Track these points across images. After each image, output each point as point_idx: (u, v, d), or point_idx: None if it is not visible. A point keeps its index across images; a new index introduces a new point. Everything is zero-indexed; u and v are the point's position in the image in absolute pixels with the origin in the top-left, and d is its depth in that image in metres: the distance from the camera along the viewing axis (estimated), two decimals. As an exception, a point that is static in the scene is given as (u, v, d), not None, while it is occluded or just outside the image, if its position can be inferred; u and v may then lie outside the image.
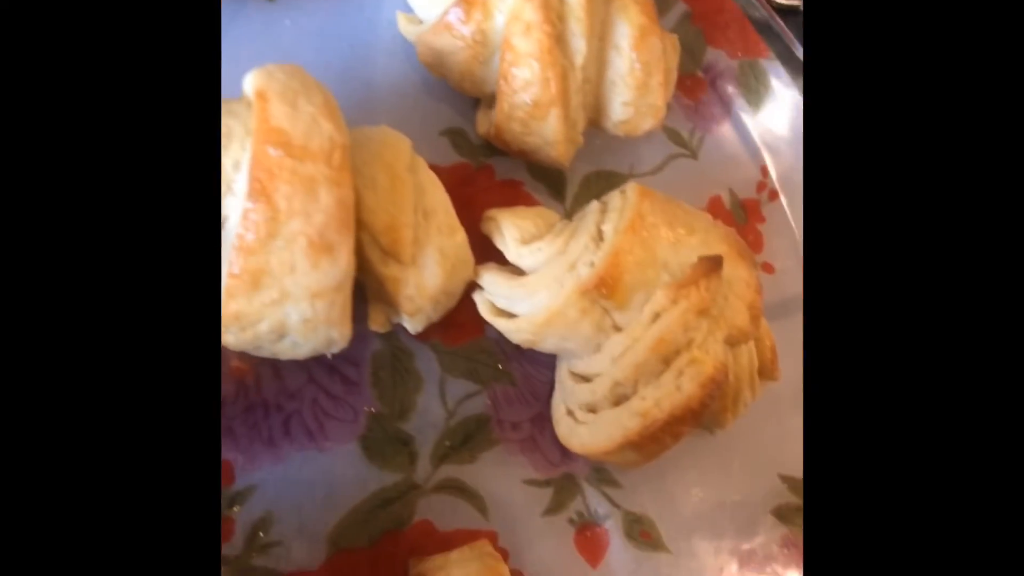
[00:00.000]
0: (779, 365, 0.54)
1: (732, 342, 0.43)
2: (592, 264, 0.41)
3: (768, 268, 0.57)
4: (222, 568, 0.39)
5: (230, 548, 0.40)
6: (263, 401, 0.42)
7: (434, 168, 0.43)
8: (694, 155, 0.57)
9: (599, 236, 0.42)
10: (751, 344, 0.44)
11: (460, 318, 0.47)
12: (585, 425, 0.42)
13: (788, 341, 0.56)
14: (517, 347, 0.48)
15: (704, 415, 0.41)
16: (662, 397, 0.40)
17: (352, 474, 0.43)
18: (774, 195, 0.59)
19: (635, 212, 0.42)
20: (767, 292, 0.57)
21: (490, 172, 0.51)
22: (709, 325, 0.41)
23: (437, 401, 0.45)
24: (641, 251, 0.41)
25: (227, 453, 0.41)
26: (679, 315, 0.39)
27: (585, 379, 0.43)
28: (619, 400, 0.41)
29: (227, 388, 0.42)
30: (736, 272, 0.43)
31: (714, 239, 0.43)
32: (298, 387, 0.43)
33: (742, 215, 0.58)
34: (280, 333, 0.37)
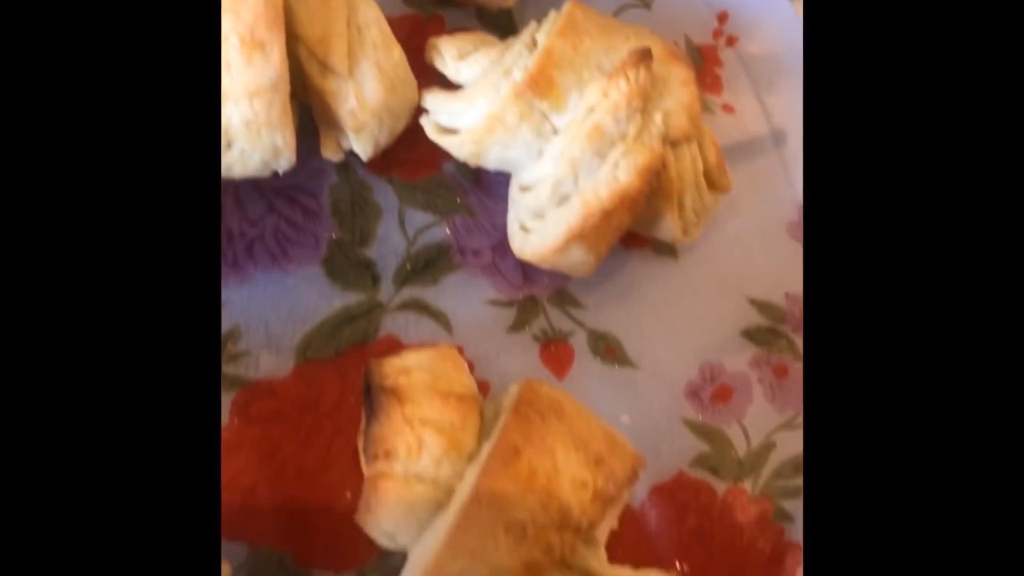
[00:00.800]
0: (744, 197, 0.55)
1: (672, 141, 0.44)
2: (526, 68, 0.42)
3: (729, 109, 0.58)
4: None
5: (201, 357, 0.42)
6: (226, 229, 0.45)
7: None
8: (647, 6, 0.58)
9: (533, 44, 0.44)
10: (693, 146, 0.45)
11: (416, 155, 0.49)
12: (534, 232, 0.44)
13: (753, 180, 0.57)
14: (475, 181, 0.50)
15: (643, 204, 0.43)
16: (600, 187, 0.41)
17: (316, 294, 0.45)
18: (732, 40, 0.60)
19: (567, 17, 0.43)
20: (730, 133, 0.58)
21: (440, 22, 0.53)
22: (644, 120, 0.42)
23: (397, 230, 0.47)
24: (573, 52, 0.42)
25: (194, 273, 0.43)
26: (611, 104, 0.41)
27: (531, 189, 0.44)
28: (562, 200, 0.43)
29: (192, 216, 0.44)
30: (670, 71, 0.44)
31: (647, 40, 0.44)
32: (259, 216, 0.45)
33: (699, 60, 0.59)
34: (226, 139, 0.39)
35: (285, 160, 0.41)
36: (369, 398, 0.38)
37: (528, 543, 0.33)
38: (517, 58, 0.43)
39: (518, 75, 0.42)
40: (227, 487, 0.40)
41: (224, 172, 0.41)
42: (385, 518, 0.36)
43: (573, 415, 0.38)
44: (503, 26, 0.53)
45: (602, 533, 0.39)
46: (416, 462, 0.36)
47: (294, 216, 0.46)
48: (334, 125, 0.43)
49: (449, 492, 0.36)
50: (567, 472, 0.35)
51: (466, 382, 0.39)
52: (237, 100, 0.38)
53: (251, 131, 0.39)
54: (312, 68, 0.41)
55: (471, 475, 0.36)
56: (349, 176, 0.47)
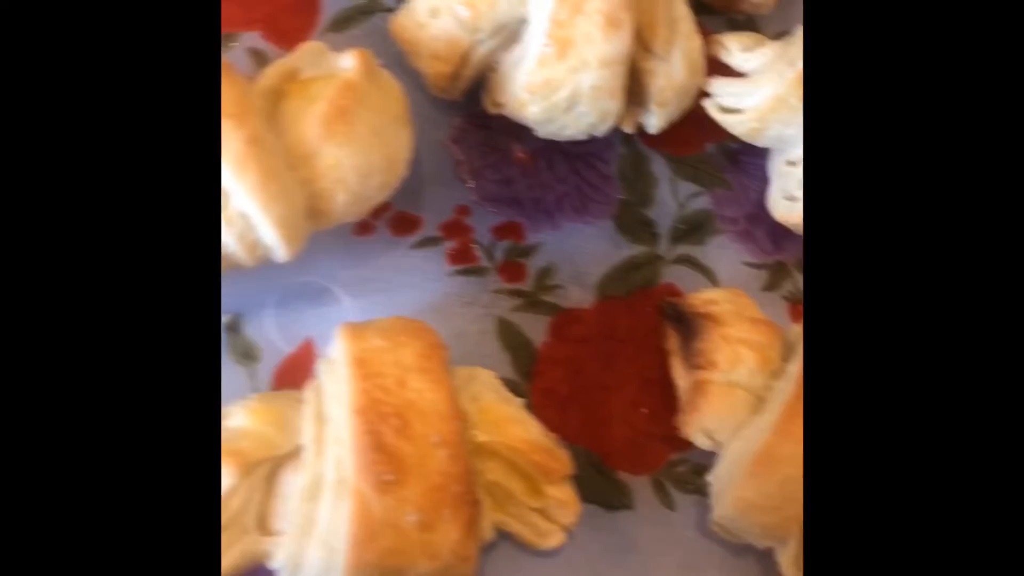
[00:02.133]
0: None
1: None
2: (810, 59, 0.50)
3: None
4: (520, 300, 0.50)
5: (525, 286, 0.50)
6: (541, 183, 0.53)
7: None
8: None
9: (812, 41, 0.51)
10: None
11: (685, 134, 0.57)
12: (801, 200, 0.51)
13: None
14: (732, 161, 0.57)
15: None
16: (875, 159, 0.48)
17: (609, 243, 0.53)
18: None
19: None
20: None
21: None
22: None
23: (670, 196, 0.55)
24: (850, 48, 0.50)
25: (517, 217, 0.52)
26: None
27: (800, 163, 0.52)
28: (834, 172, 0.50)
29: (513, 172, 0.53)
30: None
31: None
32: (565, 175, 0.53)
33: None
34: (572, 101, 0.47)
35: (606, 126, 0.49)
36: (683, 322, 0.46)
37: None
38: (800, 50, 0.50)
39: (800, 64, 0.50)
40: (547, 393, 0.48)
41: (556, 132, 0.49)
42: (708, 417, 0.43)
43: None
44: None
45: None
46: (735, 372, 0.43)
47: (591, 178, 0.54)
48: (639, 102, 0.52)
49: (761, 400, 0.43)
50: (868, 386, 0.42)
51: (761, 313, 0.46)
52: (592, 69, 0.46)
53: (594, 96, 0.47)
54: (636, 51, 0.49)
55: (779, 388, 0.43)
56: (632, 148, 0.55)
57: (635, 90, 0.51)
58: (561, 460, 0.41)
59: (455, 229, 0.51)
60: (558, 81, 0.46)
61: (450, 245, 0.50)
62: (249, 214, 0.37)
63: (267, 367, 0.45)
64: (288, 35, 0.52)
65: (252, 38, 0.51)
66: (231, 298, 0.43)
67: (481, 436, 0.39)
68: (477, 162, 0.53)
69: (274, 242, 0.39)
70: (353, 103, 0.39)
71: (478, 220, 0.51)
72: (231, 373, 0.45)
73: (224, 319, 0.45)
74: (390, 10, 0.54)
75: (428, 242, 0.50)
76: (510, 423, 0.41)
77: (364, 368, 0.37)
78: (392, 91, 0.44)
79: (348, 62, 0.41)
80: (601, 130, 0.50)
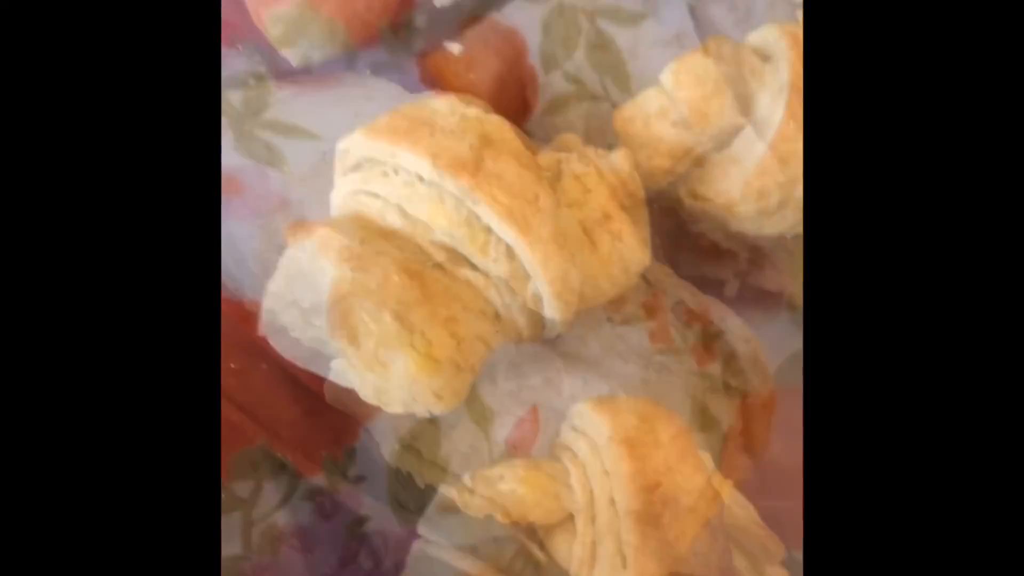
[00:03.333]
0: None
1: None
2: None
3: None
4: (709, 382, 0.53)
5: (714, 370, 0.54)
6: (722, 267, 0.57)
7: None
8: None
9: None
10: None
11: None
12: None
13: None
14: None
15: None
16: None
17: (783, 333, 0.57)
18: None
19: None
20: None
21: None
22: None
23: (833, 292, 0.59)
24: None
25: (705, 300, 0.55)
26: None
27: None
28: None
29: (700, 257, 0.57)
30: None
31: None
32: (744, 266, 0.58)
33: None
34: (781, 206, 0.51)
35: (799, 230, 0.53)
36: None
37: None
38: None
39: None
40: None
41: (755, 230, 0.54)
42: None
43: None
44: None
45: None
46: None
47: (764, 266, 0.58)
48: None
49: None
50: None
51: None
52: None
53: (800, 204, 0.51)
54: (834, 162, 0.54)
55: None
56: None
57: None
58: (779, 543, 0.44)
59: (654, 308, 0.54)
60: (772, 188, 0.51)
61: (650, 325, 0.54)
62: (542, 296, 0.41)
63: (501, 430, 0.48)
64: (510, 113, 0.55)
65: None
66: (468, 361, 0.46)
67: (714, 516, 0.42)
68: (671, 246, 0.57)
69: (554, 324, 0.42)
70: (628, 200, 0.43)
71: (671, 301, 0.55)
72: (469, 434, 0.48)
73: (462, 380, 0.48)
74: (598, 98, 0.58)
75: (632, 319, 0.54)
76: (735, 504, 0.44)
77: (633, 449, 0.40)
78: (639, 184, 0.47)
79: (618, 160, 0.45)
80: (794, 233, 0.54)
